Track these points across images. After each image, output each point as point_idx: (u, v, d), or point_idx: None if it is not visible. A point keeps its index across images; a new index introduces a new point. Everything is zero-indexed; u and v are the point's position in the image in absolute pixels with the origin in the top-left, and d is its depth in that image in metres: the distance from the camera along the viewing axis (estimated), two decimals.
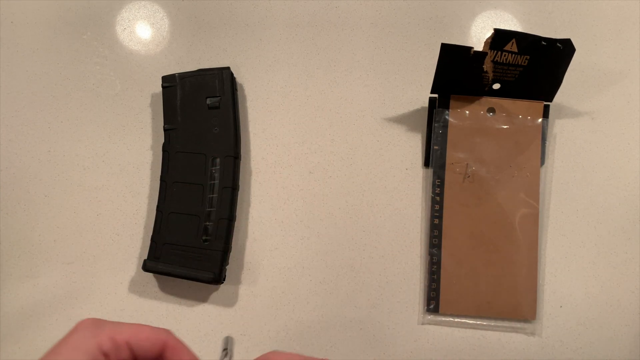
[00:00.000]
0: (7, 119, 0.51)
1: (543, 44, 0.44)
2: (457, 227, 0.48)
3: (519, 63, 0.45)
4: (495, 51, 0.44)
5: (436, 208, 0.48)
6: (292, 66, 0.52)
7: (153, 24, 0.53)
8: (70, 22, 0.53)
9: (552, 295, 0.48)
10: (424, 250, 0.49)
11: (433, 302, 0.47)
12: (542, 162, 0.48)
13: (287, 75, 0.52)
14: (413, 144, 0.50)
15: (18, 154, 0.51)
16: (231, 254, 0.48)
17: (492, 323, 0.47)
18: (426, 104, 0.50)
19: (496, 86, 0.48)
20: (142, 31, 0.53)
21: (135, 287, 0.49)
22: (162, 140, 0.49)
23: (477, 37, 0.52)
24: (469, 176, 0.48)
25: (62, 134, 0.51)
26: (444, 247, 0.47)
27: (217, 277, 0.46)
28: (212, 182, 0.47)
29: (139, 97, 0.52)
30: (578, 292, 0.48)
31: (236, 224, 0.49)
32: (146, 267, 0.47)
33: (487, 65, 0.45)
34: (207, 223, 0.47)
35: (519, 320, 0.47)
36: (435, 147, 0.48)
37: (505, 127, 0.48)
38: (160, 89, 0.49)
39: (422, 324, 0.48)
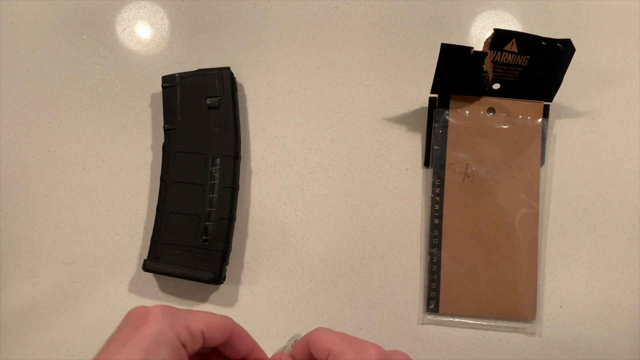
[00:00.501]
0: (7, 119, 0.51)
1: (543, 44, 0.44)
2: (457, 227, 0.48)
3: (519, 63, 0.45)
4: (495, 51, 0.44)
5: (436, 208, 0.48)
6: (292, 66, 0.52)
7: (153, 24, 0.53)
8: (70, 22, 0.53)
9: (552, 295, 0.48)
10: (424, 250, 0.49)
11: (433, 302, 0.47)
12: (542, 162, 0.48)
13: (287, 75, 0.52)
14: (413, 144, 0.50)
15: (18, 154, 0.51)
16: (231, 254, 0.48)
17: (492, 323, 0.47)
18: (426, 104, 0.50)
19: (496, 86, 0.48)
20: (142, 31, 0.53)
21: (135, 287, 0.49)
22: (162, 140, 0.49)
23: (477, 37, 0.52)
24: (469, 176, 0.48)
25: (62, 134, 0.51)
26: (444, 247, 0.47)
27: (217, 277, 0.46)
28: (212, 182, 0.47)
29: (139, 97, 0.52)
30: (578, 292, 0.48)
31: (236, 224, 0.49)
32: (146, 267, 0.47)
33: (487, 65, 0.45)
34: (207, 223, 0.47)
35: (519, 320, 0.47)
36: (435, 147, 0.48)
37: (505, 127, 0.48)
38: (160, 89, 0.49)
39: (422, 324, 0.48)
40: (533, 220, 0.47)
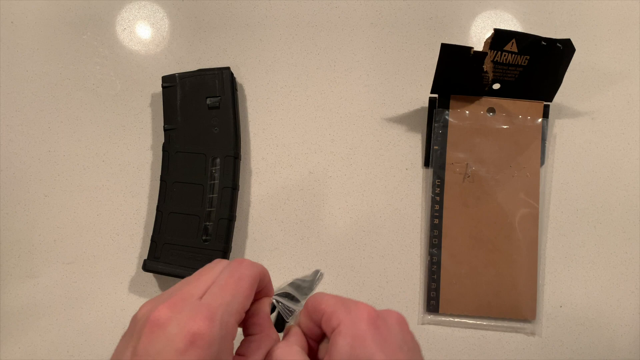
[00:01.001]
0: (7, 119, 0.51)
1: (543, 44, 0.44)
2: (457, 227, 0.48)
3: (519, 63, 0.45)
4: (495, 51, 0.44)
5: (436, 208, 0.48)
6: (292, 66, 0.52)
7: (153, 24, 0.53)
8: (70, 22, 0.53)
9: (552, 295, 0.48)
10: (424, 250, 0.49)
11: (433, 302, 0.47)
12: (542, 162, 0.48)
13: (287, 75, 0.52)
14: (413, 144, 0.50)
15: (18, 154, 0.51)
16: (231, 254, 0.48)
17: (492, 323, 0.47)
18: (426, 104, 0.50)
19: (496, 86, 0.48)
20: (142, 31, 0.53)
21: (135, 287, 0.49)
22: (162, 140, 0.49)
23: (477, 37, 0.52)
24: (469, 176, 0.48)
25: (62, 134, 0.51)
26: (444, 247, 0.47)
27: None
28: (212, 182, 0.47)
29: (139, 97, 0.52)
30: (578, 292, 0.48)
31: (236, 224, 0.49)
32: (146, 267, 0.47)
33: (487, 65, 0.45)
34: (207, 223, 0.47)
35: (518, 320, 0.47)
36: (435, 147, 0.48)
37: (505, 127, 0.48)
38: (160, 89, 0.49)
39: (422, 323, 0.48)
40: (533, 220, 0.47)
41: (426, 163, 0.50)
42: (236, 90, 0.50)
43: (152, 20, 0.53)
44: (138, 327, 0.24)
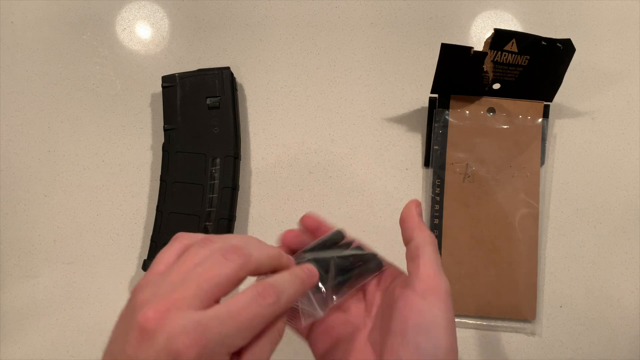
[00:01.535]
0: (7, 119, 0.51)
1: (543, 44, 0.44)
2: (457, 227, 0.48)
3: (519, 63, 0.45)
4: (496, 51, 0.44)
5: (436, 208, 0.48)
6: (292, 66, 0.52)
7: (153, 23, 0.53)
8: (70, 22, 0.53)
9: (552, 295, 0.48)
10: None
11: None
12: (542, 162, 0.48)
13: (287, 75, 0.52)
14: (413, 144, 0.50)
15: (18, 154, 0.51)
16: None
17: (492, 323, 0.47)
18: (426, 104, 0.50)
19: (496, 86, 0.48)
20: (142, 31, 0.53)
21: None
22: (162, 140, 0.49)
23: (477, 37, 0.52)
24: (469, 176, 0.48)
25: (62, 134, 0.51)
26: (444, 247, 0.47)
27: None
28: (212, 182, 0.47)
29: (139, 97, 0.52)
30: (578, 292, 0.48)
31: (236, 224, 0.49)
32: (146, 267, 0.47)
33: (487, 65, 0.45)
34: (207, 223, 0.47)
35: (519, 320, 0.47)
36: (435, 147, 0.48)
37: (505, 127, 0.48)
38: (160, 89, 0.49)
39: None
40: (533, 220, 0.47)
41: (426, 163, 0.50)
42: (236, 90, 0.50)
43: (152, 20, 0.53)
44: (131, 322, 0.24)
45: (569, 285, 0.48)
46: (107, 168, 0.51)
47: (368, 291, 0.33)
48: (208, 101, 0.49)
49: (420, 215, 0.32)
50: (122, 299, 0.48)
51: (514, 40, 0.44)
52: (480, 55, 0.44)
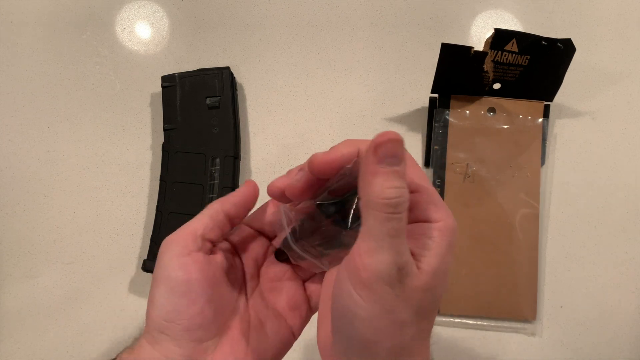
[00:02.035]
0: (7, 119, 0.51)
1: (543, 44, 0.44)
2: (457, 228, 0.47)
3: (520, 63, 0.45)
4: (496, 51, 0.44)
5: None
6: (292, 66, 0.52)
7: (153, 23, 0.53)
8: (70, 22, 0.53)
9: (552, 296, 0.48)
10: None
11: None
12: (543, 162, 0.48)
13: (287, 75, 0.52)
14: (413, 144, 0.50)
15: (18, 154, 0.51)
16: None
17: (493, 323, 0.47)
18: (426, 104, 0.50)
19: (496, 86, 0.47)
20: (142, 31, 0.53)
21: (134, 287, 0.49)
22: (162, 140, 0.49)
23: (478, 37, 0.52)
24: (469, 176, 0.48)
25: (61, 134, 0.51)
26: None
27: None
28: (212, 182, 0.47)
29: (139, 97, 0.52)
30: (578, 292, 0.48)
31: None
32: (146, 267, 0.47)
33: (488, 65, 0.45)
34: None
35: (519, 320, 0.47)
36: (436, 147, 0.48)
37: (505, 127, 0.48)
38: (160, 88, 0.49)
39: None
40: (533, 220, 0.47)
41: (426, 163, 0.49)
42: (236, 90, 0.50)
43: (151, 20, 0.53)
44: None
45: (570, 285, 0.48)
46: (106, 168, 0.51)
47: None
48: (208, 101, 0.48)
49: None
50: (121, 299, 0.49)
51: (514, 40, 0.44)
52: (481, 55, 0.44)
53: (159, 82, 0.49)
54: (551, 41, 0.44)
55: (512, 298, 0.47)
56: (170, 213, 0.47)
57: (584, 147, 0.50)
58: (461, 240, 0.47)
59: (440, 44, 0.43)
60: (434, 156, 0.48)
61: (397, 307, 0.22)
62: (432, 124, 0.49)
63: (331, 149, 0.24)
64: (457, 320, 0.47)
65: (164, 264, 0.26)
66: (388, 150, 0.21)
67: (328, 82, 0.52)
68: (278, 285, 0.30)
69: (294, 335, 0.29)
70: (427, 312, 0.23)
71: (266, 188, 0.27)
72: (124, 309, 0.49)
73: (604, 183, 0.49)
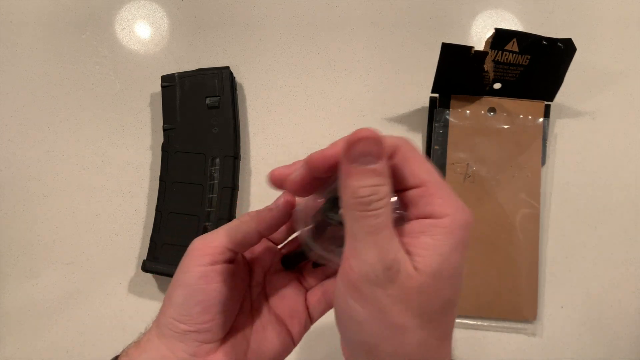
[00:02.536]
0: (7, 118, 0.51)
1: (544, 44, 0.44)
2: None
3: (520, 63, 0.45)
4: (496, 51, 0.44)
5: None
6: (292, 66, 0.52)
7: (152, 23, 0.53)
8: (70, 21, 0.53)
9: (552, 296, 0.48)
10: None
11: None
12: (543, 162, 0.48)
13: (287, 75, 0.52)
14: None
15: (17, 154, 0.51)
16: None
17: (493, 324, 0.47)
18: (426, 104, 0.50)
19: (497, 86, 0.47)
20: (142, 31, 0.53)
21: (134, 288, 0.49)
22: (162, 140, 0.49)
23: (478, 37, 0.52)
24: (469, 176, 0.48)
25: (61, 134, 0.51)
26: None
27: None
28: (212, 182, 0.47)
29: (139, 97, 0.52)
30: (579, 292, 0.48)
31: None
32: (145, 267, 0.47)
33: (488, 65, 0.45)
34: (207, 223, 0.47)
35: (519, 320, 0.47)
36: (436, 147, 0.48)
37: (506, 127, 0.48)
38: (160, 88, 0.49)
39: None
40: (534, 220, 0.47)
41: None
42: (236, 89, 0.50)
43: (151, 20, 0.53)
44: None
45: (570, 285, 0.48)
46: (106, 168, 0.50)
47: None
48: (207, 101, 0.48)
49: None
50: (121, 299, 0.48)
51: (514, 39, 0.43)
52: (481, 54, 0.44)
53: (159, 82, 0.49)
54: (552, 41, 0.44)
55: (512, 298, 0.47)
56: (170, 213, 0.47)
57: (584, 147, 0.50)
58: None
59: (440, 44, 0.43)
60: (434, 156, 0.48)
61: (392, 310, 0.21)
62: (432, 124, 0.48)
63: (329, 145, 0.23)
64: (458, 320, 0.47)
65: (188, 270, 0.27)
66: (361, 149, 0.20)
67: (328, 82, 0.51)
68: (281, 293, 0.30)
69: (294, 342, 0.30)
70: (432, 315, 0.22)
71: (268, 175, 0.27)
72: (124, 309, 0.49)
73: (604, 183, 0.49)
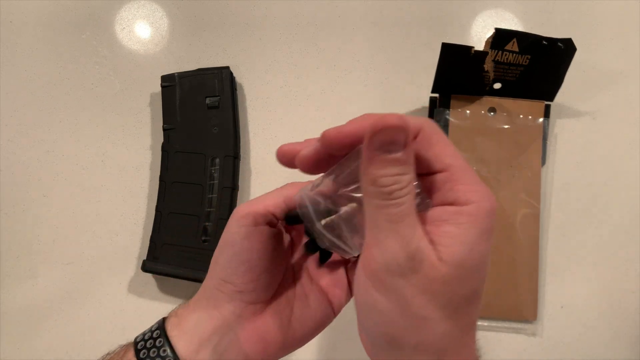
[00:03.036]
0: (6, 118, 0.51)
1: (544, 44, 0.44)
2: None
3: (520, 62, 0.45)
4: (496, 51, 0.44)
5: None
6: (292, 66, 0.52)
7: (152, 23, 0.53)
8: (70, 21, 0.53)
9: (553, 296, 0.48)
10: None
11: None
12: (543, 162, 0.48)
13: (287, 75, 0.52)
14: None
15: (17, 154, 0.51)
16: None
17: (493, 324, 0.47)
18: (426, 104, 0.50)
19: (497, 86, 0.47)
20: (142, 30, 0.53)
21: (134, 288, 0.49)
22: (162, 140, 0.49)
23: (478, 37, 0.52)
24: None
25: (61, 134, 0.51)
26: None
27: None
28: (212, 182, 0.47)
29: (138, 97, 0.52)
30: (579, 292, 0.48)
31: None
32: (145, 267, 0.47)
33: (488, 65, 0.45)
34: (207, 223, 0.46)
35: (519, 320, 0.47)
36: None
37: (506, 126, 0.48)
38: (160, 88, 0.49)
39: None
40: (534, 220, 0.47)
41: None
42: (236, 89, 0.50)
43: (151, 20, 0.53)
44: None
45: (570, 285, 0.48)
46: (106, 168, 0.50)
47: None
48: (207, 101, 0.48)
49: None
50: (121, 299, 0.48)
51: (514, 39, 0.43)
52: (481, 54, 0.44)
53: (159, 82, 0.49)
54: (552, 41, 0.44)
55: (512, 298, 0.47)
56: (169, 213, 0.47)
57: (584, 147, 0.50)
58: None
59: (440, 44, 0.43)
60: None
61: (415, 300, 0.20)
62: None
63: (348, 122, 0.22)
64: None
65: (233, 230, 0.28)
66: (386, 137, 0.20)
67: (328, 82, 0.51)
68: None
69: (334, 312, 0.30)
70: (457, 306, 0.21)
71: (277, 150, 0.26)
72: (124, 309, 0.49)
73: (604, 183, 0.49)
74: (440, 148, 0.22)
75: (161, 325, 0.28)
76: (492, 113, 0.48)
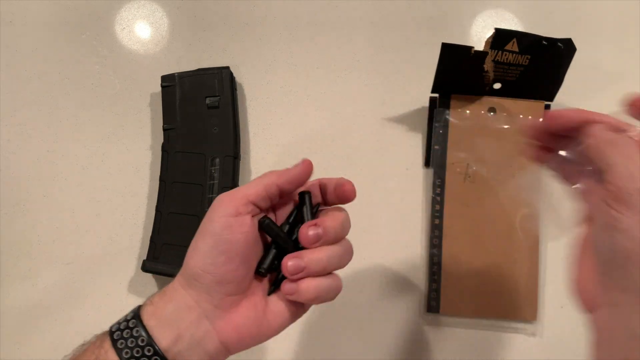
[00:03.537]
0: (6, 118, 0.51)
1: (544, 44, 0.44)
2: (457, 227, 0.47)
3: (520, 62, 0.45)
4: (496, 51, 0.44)
5: (437, 208, 0.48)
6: (292, 66, 0.52)
7: (152, 23, 0.53)
8: (70, 22, 0.53)
9: (553, 296, 0.48)
10: (425, 250, 0.48)
11: (433, 302, 0.47)
12: None
13: (287, 75, 0.52)
14: (413, 144, 0.50)
15: (17, 154, 0.51)
16: None
17: (493, 324, 0.47)
18: (426, 104, 0.50)
19: (497, 86, 0.47)
20: (142, 31, 0.53)
21: (134, 288, 0.49)
22: (162, 140, 0.49)
23: (478, 37, 0.52)
24: (469, 176, 0.48)
25: (61, 134, 0.51)
26: (444, 247, 0.47)
27: None
28: (212, 182, 0.47)
29: (138, 97, 0.52)
30: None
31: None
32: (145, 267, 0.47)
33: (488, 65, 0.45)
34: None
35: (519, 320, 0.47)
36: (436, 147, 0.48)
37: (506, 126, 0.48)
38: (160, 88, 0.49)
39: (423, 324, 0.48)
40: (534, 220, 0.47)
41: (427, 163, 0.49)
42: (236, 89, 0.50)
43: (151, 20, 0.53)
44: None
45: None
46: (106, 168, 0.50)
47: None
48: (207, 101, 0.48)
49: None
50: (121, 299, 0.48)
51: (514, 39, 0.44)
52: (481, 54, 0.44)
53: (159, 81, 0.49)
54: (552, 41, 0.44)
55: (512, 298, 0.47)
56: (169, 213, 0.47)
57: None
58: (462, 240, 0.47)
59: (440, 44, 0.43)
60: (434, 156, 0.48)
61: None
62: (432, 124, 0.48)
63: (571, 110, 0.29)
64: (458, 320, 0.47)
65: (214, 220, 0.29)
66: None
67: (328, 82, 0.51)
68: None
69: (304, 307, 0.32)
70: None
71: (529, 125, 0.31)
72: (124, 309, 0.48)
73: None
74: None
75: (136, 313, 0.30)
76: (492, 113, 0.48)
